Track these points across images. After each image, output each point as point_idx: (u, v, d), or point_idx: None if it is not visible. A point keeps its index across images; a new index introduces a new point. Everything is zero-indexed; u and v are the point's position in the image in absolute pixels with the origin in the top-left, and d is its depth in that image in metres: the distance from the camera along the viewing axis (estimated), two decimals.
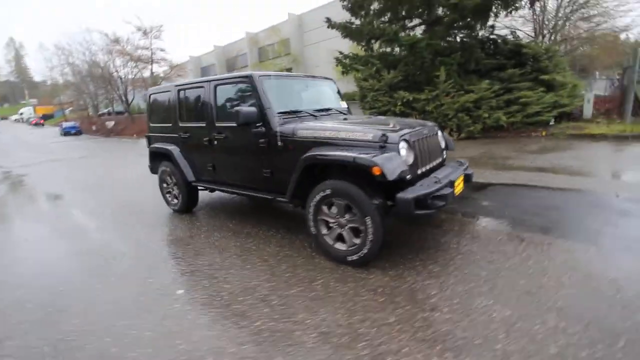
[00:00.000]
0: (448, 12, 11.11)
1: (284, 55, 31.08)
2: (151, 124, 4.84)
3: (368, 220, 2.55)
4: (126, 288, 2.74)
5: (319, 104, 3.85)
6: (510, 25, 15.55)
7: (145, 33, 27.33)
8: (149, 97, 4.83)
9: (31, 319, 2.36)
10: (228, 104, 3.68)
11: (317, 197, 2.83)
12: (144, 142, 5.13)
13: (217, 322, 2.21)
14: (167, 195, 4.79)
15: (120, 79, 29.38)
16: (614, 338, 1.80)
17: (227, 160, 3.80)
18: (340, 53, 14.29)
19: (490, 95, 10.10)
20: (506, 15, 11.33)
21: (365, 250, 2.64)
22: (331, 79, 4.41)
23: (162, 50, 29.33)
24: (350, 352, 1.84)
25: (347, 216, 2.74)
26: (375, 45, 13.49)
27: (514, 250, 2.87)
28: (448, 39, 11.61)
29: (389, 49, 13.01)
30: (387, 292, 2.39)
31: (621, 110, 10.44)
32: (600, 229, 3.20)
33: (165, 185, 4.76)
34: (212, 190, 4.30)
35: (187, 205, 4.52)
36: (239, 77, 3.53)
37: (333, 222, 2.84)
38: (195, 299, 2.50)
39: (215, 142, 3.78)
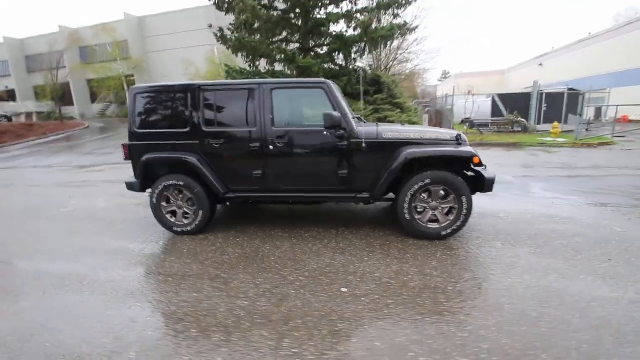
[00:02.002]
0: (330, 41, 13.11)
1: (122, 59, 26.61)
2: (138, 130, 3.86)
3: (464, 198, 3.35)
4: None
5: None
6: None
7: None
8: (134, 97, 3.85)
9: None
10: (290, 109, 3.63)
11: (416, 187, 3.39)
12: None
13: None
14: (169, 216, 3.93)
15: None
16: None
17: (288, 166, 3.67)
18: (227, 66, 14.10)
19: (367, 114, 12.55)
20: (370, 52, 14.36)
21: (459, 223, 3.41)
22: None
23: None
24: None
25: (440, 199, 3.44)
26: (262, 62, 14.14)
27: None
28: (331, 65, 13.59)
29: (277, 68, 13.90)
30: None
31: (442, 126, 15.14)
32: None
33: (166, 204, 3.90)
34: (245, 202, 3.93)
35: (207, 223, 3.90)
36: (310, 82, 3.62)
37: (426, 206, 3.47)
38: (358, 290, 2.58)
39: (272, 147, 3.61)
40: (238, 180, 3.78)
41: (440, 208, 3.47)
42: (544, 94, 15.72)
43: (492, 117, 16.84)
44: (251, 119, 3.64)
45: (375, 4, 13.05)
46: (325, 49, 14.13)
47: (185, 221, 3.90)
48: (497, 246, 3.34)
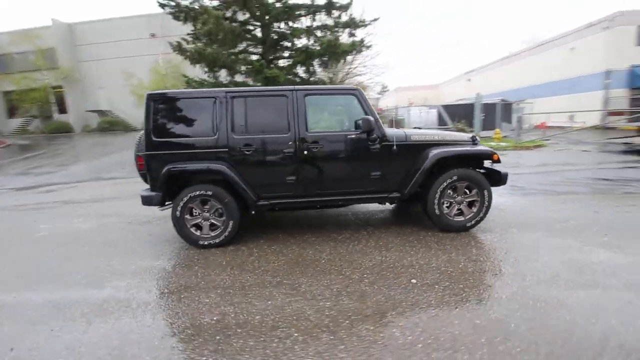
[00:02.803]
0: (295, 54, 13.39)
1: (48, 69, 23.77)
2: (156, 139, 3.59)
3: (485, 192, 3.75)
4: None
5: None
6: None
7: None
8: (151, 104, 3.59)
9: None
10: (322, 114, 3.71)
11: (445, 184, 3.70)
12: None
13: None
14: (194, 230, 3.69)
15: None
16: None
17: (322, 170, 3.72)
18: (185, 76, 13.55)
19: None
20: (331, 66, 14.93)
21: (481, 215, 3.79)
22: None
23: None
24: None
25: (463, 194, 3.79)
26: (221, 72, 13.84)
27: None
28: (295, 77, 13.82)
29: (238, 78, 13.75)
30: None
31: None
32: None
33: (190, 216, 3.66)
34: (272, 209, 3.87)
35: (236, 233, 3.74)
36: (342, 89, 3.78)
37: (452, 201, 3.79)
38: (426, 280, 2.75)
39: (306, 152, 3.64)
40: (269, 187, 3.73)
41: (464, 202, 3.83)
42: (482, 104, 17.79)
43: (439, 125, 18.54)
44: (284, 125, 3.65)
45: (333, 23, 13.69)
46: (285, 61, 14.40)
47: (213, 233, 3.70)
48: (515, 232, 3.78)
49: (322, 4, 12.96)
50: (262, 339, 2.10)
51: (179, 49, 13.47)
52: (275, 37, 14.07)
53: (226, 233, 3.67)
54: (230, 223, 3.66)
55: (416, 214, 4.64)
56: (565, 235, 3.61)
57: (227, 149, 3.61)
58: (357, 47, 13.22)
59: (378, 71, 37.98)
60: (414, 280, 2.77)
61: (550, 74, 22.48)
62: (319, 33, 13.62)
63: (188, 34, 13.71)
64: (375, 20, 14.09)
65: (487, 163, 4.02)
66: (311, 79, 14.16)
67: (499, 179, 3.86)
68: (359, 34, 17.99)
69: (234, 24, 12.61)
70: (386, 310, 2.36)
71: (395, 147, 3.72)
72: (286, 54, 14.22)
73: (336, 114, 3.94)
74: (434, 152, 3.69)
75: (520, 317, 2.19)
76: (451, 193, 3.79)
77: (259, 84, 12.97)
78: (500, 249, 3.34)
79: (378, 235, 3.85)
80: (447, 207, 3.81)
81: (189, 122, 3.65)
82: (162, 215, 4.99)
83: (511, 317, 2.21)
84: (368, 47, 15.08)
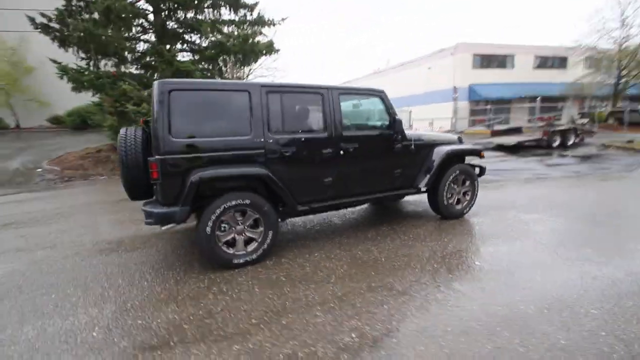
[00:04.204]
0: (210, 47, 12.22)
1: None
2: (176, 139, 2.84)
3: (476, 183, 4.48)
4: None
5: None
6: None
7: None
8: (167, 95, 2.80)
9: None
10: (352, 114, 3.68)
11: (451, 177, 4.23)
12: None
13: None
14: (226, 247, 3.08)
15: None
16: None
17: (357, 169, 3.68)
18: (55, 62, 10.64)
19: None
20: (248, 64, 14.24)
21: (472, 202, 4.51)
22: None
23: None
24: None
25: (461, 185, 4.42)
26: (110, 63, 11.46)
27: None
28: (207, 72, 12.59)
29: (142, 71, 11.69)
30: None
31: None
32: None
33: (221, 232, 3.05)
34: (308, 213, 3.61)
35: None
36: (370, 90, 3.81)
37: (454, 192, 4.37)
38: (485, 260, 3.18)
39: (342, 152, 3.56)
40: (308, 190, 3.48)
41: (461, 192, 4.47)
42: None
43: None
44: (320, 124, 3.48)
45: (238, 19, 13.18)
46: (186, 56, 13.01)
47: (249, 248, 3.20)
48: (513, 213, 4.65)
49: None
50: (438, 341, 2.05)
51: (43, 27, 10.42)
52: (176, 26, 12.54)
53: (264, 246, 3.24)
54: (270, 234, 3.24)
55: (393, 208, 5.13)
56: (558, 215, 4.59)
57: (263, 150, 3.18)
58: (274, 48, 13.07)
59: (279, 74, 38.11)
60: (478, 263, 3.14)
61: (415, 88, 27.36)
62: (225, 29, 12.87)
63: (57, 9, 10.68)
64: (284, 19, 14.23)
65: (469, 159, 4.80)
66: (222, 77, 13.23)
67: (481, 172, 4.68)
68: (268, 33, 17.77)
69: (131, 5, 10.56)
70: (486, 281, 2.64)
71: (412, 146, 4.04)
72: (196, 48, 12.81)
73: (362, 115, 3.98)
74: (445, 150, 4.19)
75: (577, 272, 2.83)
76: (453, 185, 4.37)
77: (161, 77, 11.26)
78: (515, 229, 4.09)
79: (402, 231, 4.06)
80: (449, 197, 4.38)
81: (217, 119, 3.05)
82: (121, 236, 4.04)
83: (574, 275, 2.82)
84: (277, 51, 15.11)
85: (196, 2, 11.91)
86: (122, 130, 3.24)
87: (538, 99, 17.95)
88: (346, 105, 3.77)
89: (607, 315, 2.23)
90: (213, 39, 12.11)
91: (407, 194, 4.20)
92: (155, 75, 11.59)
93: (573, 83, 21.90)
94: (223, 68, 13.58)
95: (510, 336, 2.05)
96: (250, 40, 12.18)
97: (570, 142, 12.77)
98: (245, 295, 2.69)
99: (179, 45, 13.25)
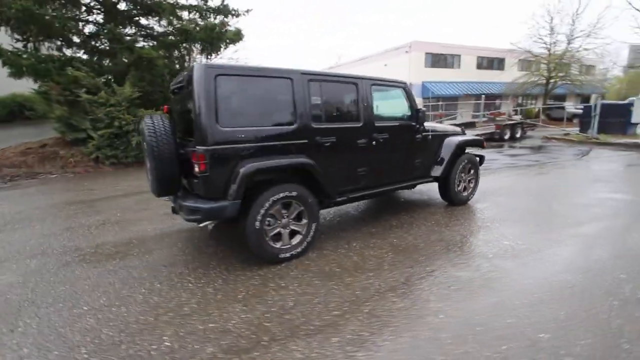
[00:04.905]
0: (174, 33, 11.32)
1: None
2: (224, 128, 2.62)
3: (479, 171, 4.82)
4: None
5: None
6: None
7: None
8: (213, 80, 2.56)
9: None
10: (380, 105, 3.72)
11: (460, 166, 4.51)
12: None
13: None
14: (272, 242, 2.95)
15: None
16: None
17: (385, 160, 3.72)
18: None
19: None
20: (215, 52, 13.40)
21: (475, 189, 4.85)
22: None
23: None
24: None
25: (467, 173, 4.73)
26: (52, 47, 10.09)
27: None
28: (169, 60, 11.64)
29: (93, 57, 10.44)
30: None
31: None
32: None
33: (268, 226, 2.91)
34: (333, 205, 3.59)
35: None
36: (395, 82, 3.87)
37: (461, 180, 4.66)
38: (512, 240, 3.49)
39: (374, 143, 3.59)
40: (344, 180, 3.47)
41: (467, 180, 4.78)
42: None
43: None
44: (355, 114, 3.47)
45: (199, 5, 12.45)
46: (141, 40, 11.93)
47: (294, 242, 3.10)
48: (504, 199, 5.07)
49: None
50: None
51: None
52: (131, 6, 11.41)
53: (308, 238, 3.17)
54: (313, 226, 3.18)
55: (395, 198, 5.33)
56: (549, 199, 5.16)
57: (307, 140, 3.10)
58: (241, 35, 12.52)
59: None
60: (506, 242, 3.41)
61: None
62: (185, 14, 12.05)
63: None
64: (248, 11, 13.70)
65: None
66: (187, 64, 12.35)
67: (481, 161, 5.04)
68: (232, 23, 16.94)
69: None
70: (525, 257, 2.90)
71: (430, 136, 4.22)
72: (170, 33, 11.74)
73: (388, 106, 4.03)
74: (456, 140, 4.44)
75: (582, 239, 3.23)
76: (461, 174, 4.66)
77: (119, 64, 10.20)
78: (519, 212, 4.48)
79: (422, 217, 4.24)
80: (458, 185, 4.67)
81: (263, 107, 2.89)
82: (125, 237, 3.70)
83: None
84: (242, 39, 14.54)
85: None
86: (147, 119, 2.92)
87: (482, 96, 19.77)
88: (377, 96, 3.80)
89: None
90: (176, 24, 11.23)
91: (423, 182, 4.38)
92: (109, 62, 10.43)
93: (511, 83, 24.37)
94: (186, 57, 12.71)
95: (573, 301, 2.29)
96: (217, 29, 11.53)
97: (518, 135, 14.27)
98: (309, 288, 2.62)
99: (131, 30, 12.09)
